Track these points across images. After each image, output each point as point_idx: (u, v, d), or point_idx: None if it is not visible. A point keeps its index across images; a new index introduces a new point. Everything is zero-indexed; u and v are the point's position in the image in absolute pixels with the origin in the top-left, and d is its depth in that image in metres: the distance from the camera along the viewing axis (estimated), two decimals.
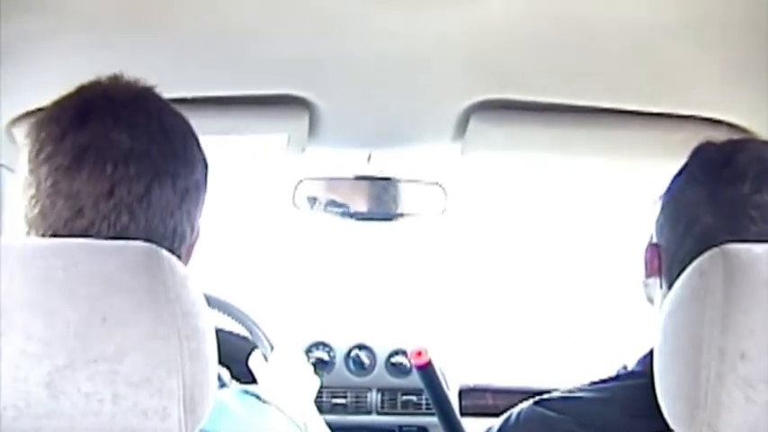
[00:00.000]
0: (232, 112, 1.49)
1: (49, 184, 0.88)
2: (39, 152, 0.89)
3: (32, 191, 0.89)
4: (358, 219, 1.93)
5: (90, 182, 0.87)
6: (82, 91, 0.94)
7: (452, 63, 1.34)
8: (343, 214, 1.92)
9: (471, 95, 1.48)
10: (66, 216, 0.87)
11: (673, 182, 1.14)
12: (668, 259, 1.11)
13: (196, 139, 0.98)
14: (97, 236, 0.87)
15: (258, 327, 1.83)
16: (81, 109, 0.91)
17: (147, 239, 0.88)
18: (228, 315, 1.85)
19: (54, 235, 0.88)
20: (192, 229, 0.97)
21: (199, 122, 0.99)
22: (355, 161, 1.86)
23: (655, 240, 1.15)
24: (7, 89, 1.33)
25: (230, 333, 2.04)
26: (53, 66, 1.28)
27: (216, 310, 1.82)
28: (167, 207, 0.91)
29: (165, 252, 0.82)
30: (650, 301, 1.18)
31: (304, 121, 1.54)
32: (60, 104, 0.93)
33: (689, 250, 1.02)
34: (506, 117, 1.53)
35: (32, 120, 0.94)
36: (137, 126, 0.90)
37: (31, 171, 0.90)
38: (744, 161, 1.06)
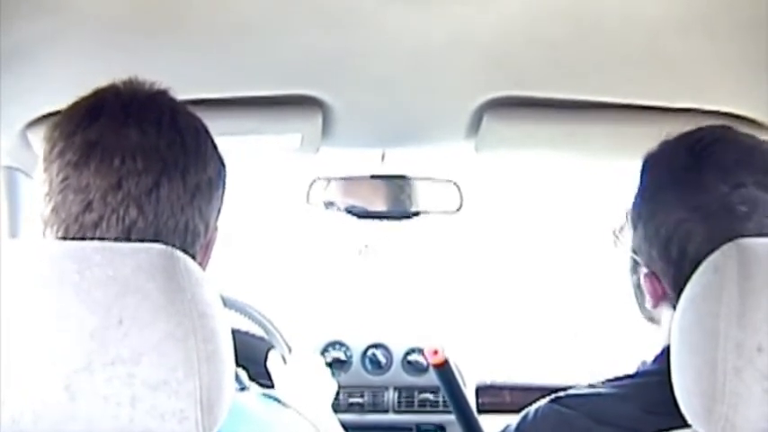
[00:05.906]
0: (245, 112, 1.49)
1: (60, 179, 0.89)
2: (51, 150, 0.90)
3: (46, 188, 0.90)
4: (373, 218, 1.93)
5: (98, 175, 0.88)
6: (97, 93, 0.95)
7: (466, 61, 1.34)
8: (358, 213, 1.92)
9: (485, 93, 1.48)
10: (77, 211, 0.88)
11: (643, 202, 1.11)
12: (671, 284, 1.06)
13: (211, 139, 0.98)
14: (107, 230, 0.88)
15: (275, 328, 1.83)
16: (93, 107, 0.92)
17: (156, 234, 0.89)
18: (246, 316, 1.85)
19: (66, 230, 0.88)
20: (207, 227, 0.96)
21: (211, 124, 1.00)
22: (369, 160, 1.86)
23: (648, 270, 1.10)
24: (22, 93, 1.34)
25: (247, 334, 2.05)
26: (67, 69, 1.28)
27: (233, 312, 1.83)
28: (177, 202, 0.91)
29: (180, 253, 0.82)
30: (657, 323, 1.15)
31: (317, 121, 1.54)
32: (75, 105, 0.94)
33: (691, 271, 0.95)
34: (520, 114, 1.52)
35: (48, 123, 0.94)
36: (147, 122, 0.91)
37: (45, 169, 0.91)
38: (711, 161, 1.03)
